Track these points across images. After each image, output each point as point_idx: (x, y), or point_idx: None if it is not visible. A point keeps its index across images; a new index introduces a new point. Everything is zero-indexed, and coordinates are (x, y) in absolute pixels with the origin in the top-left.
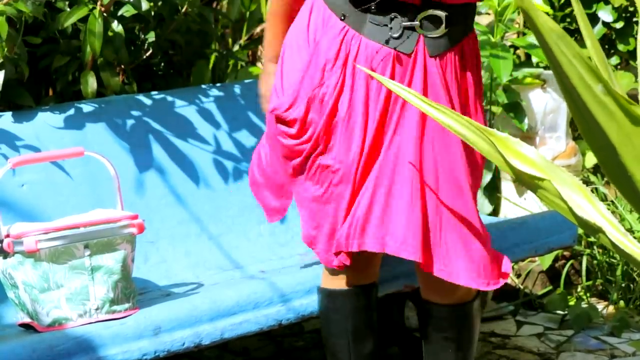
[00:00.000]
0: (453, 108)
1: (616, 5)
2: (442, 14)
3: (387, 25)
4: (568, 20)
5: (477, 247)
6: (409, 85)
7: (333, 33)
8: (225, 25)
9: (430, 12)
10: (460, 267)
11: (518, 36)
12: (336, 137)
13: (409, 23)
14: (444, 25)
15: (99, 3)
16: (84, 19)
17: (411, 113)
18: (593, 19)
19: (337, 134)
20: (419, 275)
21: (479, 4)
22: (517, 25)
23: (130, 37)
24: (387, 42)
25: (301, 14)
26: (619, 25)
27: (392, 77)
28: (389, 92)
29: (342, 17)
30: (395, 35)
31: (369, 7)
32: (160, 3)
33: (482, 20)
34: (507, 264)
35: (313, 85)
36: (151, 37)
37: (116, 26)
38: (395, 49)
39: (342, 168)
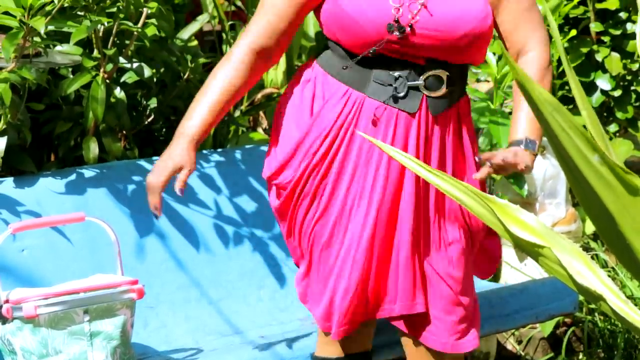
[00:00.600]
0: (452, 166)
1: (614, 74)
2: (444, 73)
3: (391, 85)
4: (566, 88)
5: (459, 313)
6: (416, 143)
7: (336, 97)
8: None
9: (434, 72)
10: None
11: None
12: (336, 203)
13: (414, 83)
14: (445, 85)
15: (101, 70)
16: (87, 86)
17: (409, 176)
18: (591, 87)
19: (337, 200)
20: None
21: (479, 70)
22: None
23: (133, 103)
24: (391, 101)
25: (302, 92)
26: (617, 93)
27: (394, 136)
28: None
29: (344, 68)
30: (401, 94)
31: (372, 61)
32: (162, 70)
33: (482, 87)
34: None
35: (313, 147)
36: (153, 103)
37: (118, 92)
38: (399, 108)
39: (345, 239)
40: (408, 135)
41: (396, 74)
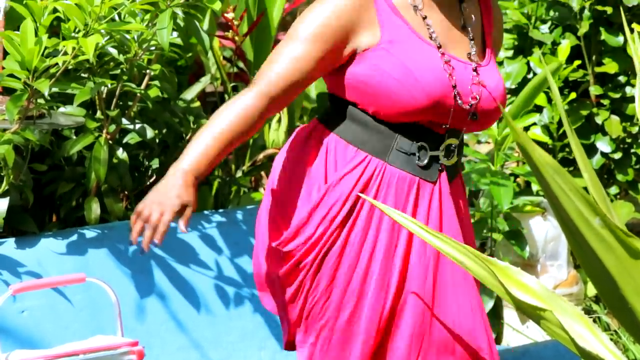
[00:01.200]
0: (462, 230)
1: (614, 137)
2: (455, 142)
3: (415, 154)
4: (567, 150)
5: None
6: (439, 211)
7: (354, 163)
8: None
9: (450, 141)
10: None
11: (518, 164)
12: (358, 271)
13: (435, 153)
14: (456, 153)
15: (104, 131)
16: (90, 147)
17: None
18: (592, 150)
19: (360, 268)
20: None
21: (479, 132)
22: (516, 154)
23: (135, 164)
24: (414, 170)
25: (309, 155)
26: (618, 156)
27: (416, 205)
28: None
29: (361, 146)
30: (423, 164)
31: (396, 128)
32: (165, 130)
33: (483, 149)
34: None
35: (331, 214)
36: (155, 163)
37: (121, 153)
38: (421, 177)
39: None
40: (431, 204)
41: (420, 143)
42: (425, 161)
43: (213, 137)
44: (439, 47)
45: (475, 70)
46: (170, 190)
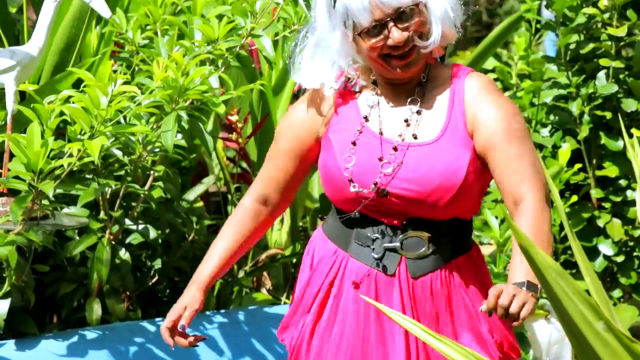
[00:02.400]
0: (438, 329)
1: (616, 240)
2: (424, 235)
3: (369, 246)
4: (569, 252)
5: None
6: (401, 306)
7: (328, 256)
8: None
9: (411, 233)
10: None
11: None
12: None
13: (390, 245)
14: (426, 247)
15: (107, 232)
16: (92, 247)
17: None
18: (594, 252)
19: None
20: None
21: (481, 234)
22: None
23: (137, 264)
24: (370, 262)
25: (307, 250)
26: (620, 259)
27: (376, 298)
28: (377, 314)
29: (322, 219)
30: (377, 256)
31: (354, 220)
32: (167, 231)
33: (485, 251)
34: None
35: (307, 304)
36: (157, 264)
37: (123, 254)
38: (378, 269)
39: None
40: (391, 297)
41: (374, 235)
42: (380, 254)
43: (220, 250)
44: (381, 142)
45: (395, 148)
46: (179, 299)
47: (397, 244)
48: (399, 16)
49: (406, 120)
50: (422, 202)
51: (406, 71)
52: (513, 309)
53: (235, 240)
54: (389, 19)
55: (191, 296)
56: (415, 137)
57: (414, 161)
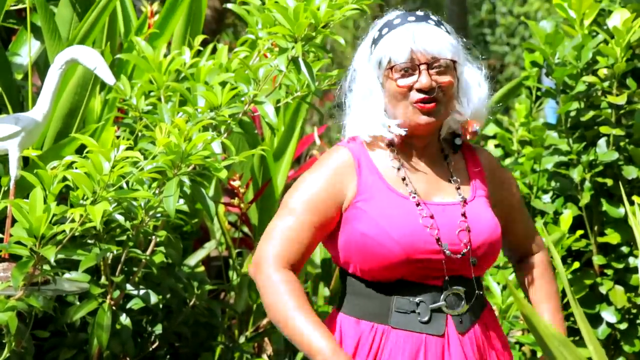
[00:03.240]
0: None
1: (619, 307)
2: (461, 290)
3: (414, 312)
4: (572, 319)
5: None
6: None
7: (364, 336)
8: (232, 317)
9: (453, 290)
10: None
11: (523, 333)
12: None
13: (435, 305)
14: (464, 300)
15: (108, 297)
16: (93, 312)
17: None
18: (597, 319)
19: None
20: None
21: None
22: (521, 322)
23: (138, 329)
24: (417, 327)
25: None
26: (623, 326)
27: None
28: None
29: (365, 317)
30: (425, 319)
31: (391, 288)
32: (168, 296)
33: None
34: None
35: None
36: (158, 329)
37: (124, 319)
38: (427, 333)
39: None
40: (444, 357)
41: (417, 299)
42: (427, 317)
43: (304, 316)
44: (418, 204)
45: (463, 214)
46: None
47: (442, 303)
48: (433, 66)
49: (458, 188)
50: (483, 260)
51: (422, 123)
52: None
53: (305, 304)
54: (423, 63)
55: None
56: (465, 202)
57: (476, 224)
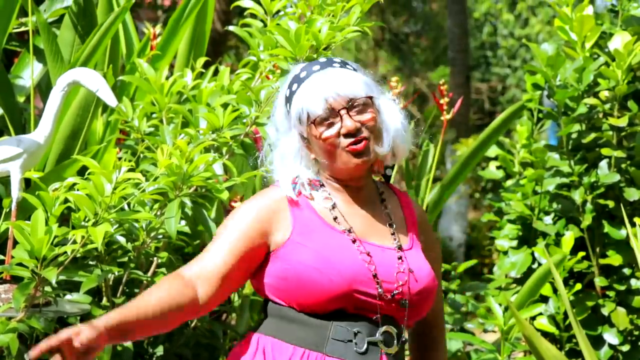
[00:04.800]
0: None
1: (621, 329)
2: (394, 330)
3: (351, 341)
4: (574, 341)
5: None
6: None
7: None
8: (234, 338)
9: (388, 327)
10: None
11: (525, 354)
12: None
13: (373, 338)
14: (395, 343)
15: None
16: None
17: None
18: (599, 341)
19: None
20: None
21: (484, 320)
22: (523, 343)
23: (139, 352)
24: (352, 358)
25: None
26: (626, 348)
27: None
28: None
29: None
30: (361, 350)
31: (330, 317)
32: None
33: (489, 338)
34: None
35: None
36: (159, 351)
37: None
38: None
39: None
40: None
41: (355, 329)
42: (364, 347)
43: (135, 306)
44: (354, 240)
45: (400, 258)
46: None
47: (379, 337)
48: (352, 107)
49: (391, 226)
50: (414, 307)
51: (359, 163)
52: None
53: (153, 310)
54: (342, 108)
55: (84, 328)
56: (401, 247)
57: (415, 270)
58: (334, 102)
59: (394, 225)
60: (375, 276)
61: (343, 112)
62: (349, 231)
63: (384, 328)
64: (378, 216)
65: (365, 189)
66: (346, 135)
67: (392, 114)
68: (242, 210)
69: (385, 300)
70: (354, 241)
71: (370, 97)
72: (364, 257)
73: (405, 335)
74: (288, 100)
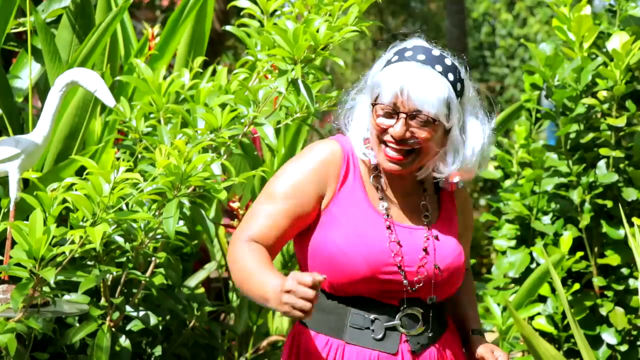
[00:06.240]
0: None
1: (619, 329)
2: (419, 311)
3: (369, 328)
4: (572, 340)
5: None
6: None
7: (319, 349)
8: (232, 338)
9: (409, 310)
10: None
11: (523, 354)
12: None
13: (390, 323)
14: (421, 322)
15: (108, 318)
16: (93, 334)
17: None
18: (598, 341)
19: None
20: None
21: (482, 320)
22: (522, 343)
23: (137, 351)
24: (370, 344)
25: (289, 352)
26: (624, 348)
27: None
28: None
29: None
30: (378, 337)
31: (348, 303)
32: (168, 317)
33: (487, 337)
34: None
35: None
36: (158, 351)
37: (124, 341)
38: (380, 350)
39: None
40: None
41: (372, 316)
42: (381, 334)
43: (257, 264)
44: (388, 226)
45: (427, 238)
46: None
47: (397, 322)
48: (413, 117)
49: (426, 214)
50: (443, 285)
51: (392, 168)
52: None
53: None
54: (403, 112)
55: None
56: (431, 227)
57: (441, 249)
58: (403, 102)
59: (429, 207)
60: (400, 267)
61: (402, 116)
62: (388, 215)
63: (405, 312)
64: (415, 198)
65: (407, 176)
66: (391, 137)
67: (470, 137)
68: (296, 168)
69: (407, 287)
70: (388, 227)
71: (435, 120)
72: (393, 247)
73: (437, 311)
74: (387, 63)
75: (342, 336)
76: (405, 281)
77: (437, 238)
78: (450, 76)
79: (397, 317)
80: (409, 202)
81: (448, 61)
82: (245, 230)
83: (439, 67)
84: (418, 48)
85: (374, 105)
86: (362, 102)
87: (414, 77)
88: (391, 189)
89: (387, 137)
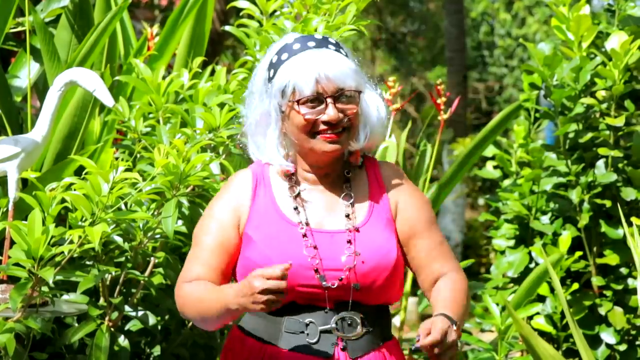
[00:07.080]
0: None
1: (618, 328)
2: (357, 315)
3: (303, 332)
4: (571, 340)
5: None
6: None
7: (253, 355)
8: None
9: (344, 314)
10: None
11: (522, 354)
12: None
13: (325, 327)
14: (360, 326)
15: (106, 318)
16: (91, 334)
17: None
18: (596, 340)
19: None
20: None
21: (481, 320)
22: (521, 343)
23: (136, 351)
24: (306, 349)
25: None
26: (623, 347)
27: None
28: None
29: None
30: (313, 340)
31: (282, 309)
32: (167, 317)
33: (486, 337)
34: None
35: None
36: (157, 351)
37: (122, 341)
38: (315, 355)
39: None
40: None
41: (307, 320)
42: (316, 338)
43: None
44: (304, 234)
45: (349, 242)
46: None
47: (333, 325)
48: (339, 97)
49: (347, 216)
50: (369, 288)
51: (330, 150)
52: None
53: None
54: (329, 96)
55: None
56: (357, 230)
57: (366, 251)
58: (324, 86)
59: (354, 205)
60: (317, 271)
61: (330, 100)
62: (305, 224)
63: (339, 315)
64: (338, 200)
65: (331, 173)
66: (325, 123)
67: (372, 106)
68: (213, 206)
69: (332, 289)
70: (304, 235)
71: (359, 92)
72: (309, 252)
73: (372, 317)
74: (274, 66)
75: (278, 342)
76: (324, 283)
77: (362, 238)
78: (342, 51)
79: (332, 320)
80: (332, 205)
81: (332, 39)
82: (181, 277)
83: (331, 47)
84: (301, 38)
85: (297, 103)
86: (266, 117)
87: (322, 61)
88: (311, 195)
89: (320, 128)
